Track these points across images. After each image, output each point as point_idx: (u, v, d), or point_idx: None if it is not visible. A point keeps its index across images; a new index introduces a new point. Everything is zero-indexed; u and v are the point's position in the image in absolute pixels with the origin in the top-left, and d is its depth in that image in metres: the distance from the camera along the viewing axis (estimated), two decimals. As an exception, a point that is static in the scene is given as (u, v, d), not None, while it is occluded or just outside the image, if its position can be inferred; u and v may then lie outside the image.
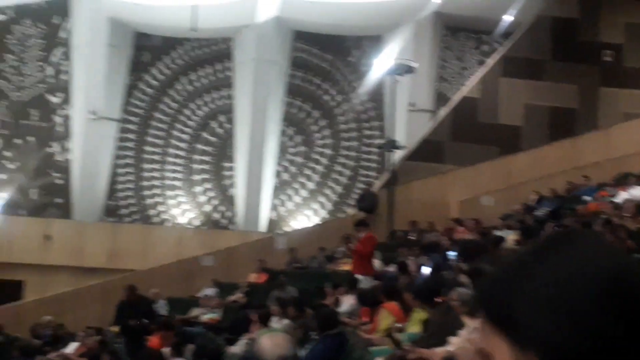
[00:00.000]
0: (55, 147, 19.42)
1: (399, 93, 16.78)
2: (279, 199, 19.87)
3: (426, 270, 9.22)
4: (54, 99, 19.50)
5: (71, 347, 11.21)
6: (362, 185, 19.05)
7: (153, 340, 10.00)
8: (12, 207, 19.04)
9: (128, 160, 19.78)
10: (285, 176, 19.93)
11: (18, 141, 19.31)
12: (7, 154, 19.30)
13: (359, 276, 10.49)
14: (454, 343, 4.36)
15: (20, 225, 18.55)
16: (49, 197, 19.29)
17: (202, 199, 19.82)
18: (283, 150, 19.95)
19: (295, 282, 12.95)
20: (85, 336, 11.53)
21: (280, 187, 19.88)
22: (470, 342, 4.22)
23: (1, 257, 18.17)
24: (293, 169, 19.97)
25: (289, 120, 20.06)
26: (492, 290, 0.71)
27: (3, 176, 19.20)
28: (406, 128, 18.26)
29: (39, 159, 19.33)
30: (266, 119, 19.20)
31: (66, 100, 19.44)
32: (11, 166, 19.31)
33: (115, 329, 12.00)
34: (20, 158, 19.33)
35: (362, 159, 20.03)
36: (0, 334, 12.42)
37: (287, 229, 19.25)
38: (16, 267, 18.29)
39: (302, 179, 19.98)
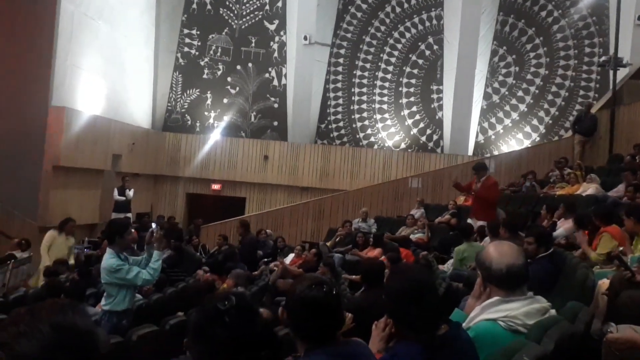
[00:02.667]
0: (272, 73, 20.41)
1: (624, 6, 15.35)
2: (488, 122, 19.34)
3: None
4: (271, 26, 20.37)
5: (288, 258, 12.04)
6: (579, 107, 17.92)
7: (370, 252, 10.54)
8: (234, 129, 20.50)
9: (338, 85, 20.30)
10: (495, 98, 19.29)
11: (239, 67, 20.55)
12: (229, 79, 20.64)
13: (478, 222, 10.07)
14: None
15: (242, 146, 19.99)
16: (267, 120, 20.45)
17: (409, 122, 19.87)
18: (493, 71, 19.26)
19: (506, 205, 12.72)
20: (301, 249, 12.35)
21: (489, 110, 19.32)
22: None
23: (226, 175, 19.84)
24: (503, 90, 19.25)
25: (500, 39, 19.24)
26: None
27: (226, 100, 20.62)
28: (632, 44, 16.68)
29: (258, 84, 20.46)
30: (476, 39, 18.55)
31: (282, 27, 20.21)
32: (233, 91, 20.65)
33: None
34: (241, 83, 20.58)
35: (581, 79, 18.74)
36: (225, 244, 13.59)
37: (495, 152, 18.80)
38: (240, 185, 19.88)
39: (514, 101, 19.22)
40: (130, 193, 15.81)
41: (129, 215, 15.54)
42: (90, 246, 14.07)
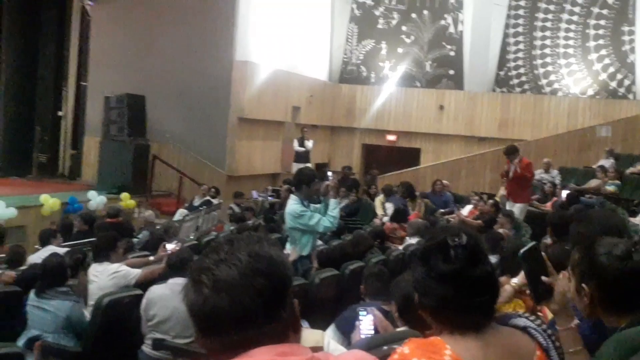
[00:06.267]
0: (448, 20, 19.85)
1: None
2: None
3: None
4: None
5: (465, 210, 11.84)
6: None
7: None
8: (409, 79, 20.30)
9: (519, 29, 19.31)
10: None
11: (414, 15, 20.20)
12: (404, 28, 20.37)
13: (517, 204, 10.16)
14: None
15: (417, 96, 19.80)
16: (443, 69, 20.01)
17: (598, 66, 18.52)
18: (697, 7, 17.35)
19: None
20: (478, 200, 12.08)
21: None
22: None
23: (401, 126, 19.81)
24: None
25: None
26: None
27: (400, 50, 20.41)
28: None
29: (433, 32, 20.02)
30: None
31: (458, -29, 19.56)
32: (407, 40, 20.38)
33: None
34: (416, 32, 20.24)
35: None
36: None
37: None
38: (414, 136, 19.78)
39: None
40: (310, 144, 16.28)
41: (309, 165, 16.05)
42: (273, 194, 14.78)
